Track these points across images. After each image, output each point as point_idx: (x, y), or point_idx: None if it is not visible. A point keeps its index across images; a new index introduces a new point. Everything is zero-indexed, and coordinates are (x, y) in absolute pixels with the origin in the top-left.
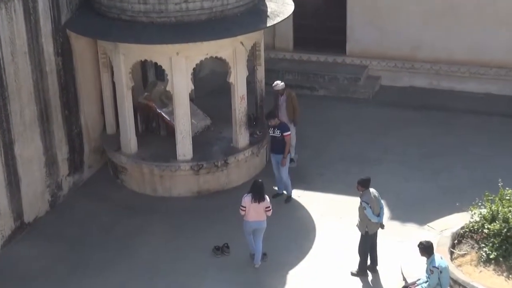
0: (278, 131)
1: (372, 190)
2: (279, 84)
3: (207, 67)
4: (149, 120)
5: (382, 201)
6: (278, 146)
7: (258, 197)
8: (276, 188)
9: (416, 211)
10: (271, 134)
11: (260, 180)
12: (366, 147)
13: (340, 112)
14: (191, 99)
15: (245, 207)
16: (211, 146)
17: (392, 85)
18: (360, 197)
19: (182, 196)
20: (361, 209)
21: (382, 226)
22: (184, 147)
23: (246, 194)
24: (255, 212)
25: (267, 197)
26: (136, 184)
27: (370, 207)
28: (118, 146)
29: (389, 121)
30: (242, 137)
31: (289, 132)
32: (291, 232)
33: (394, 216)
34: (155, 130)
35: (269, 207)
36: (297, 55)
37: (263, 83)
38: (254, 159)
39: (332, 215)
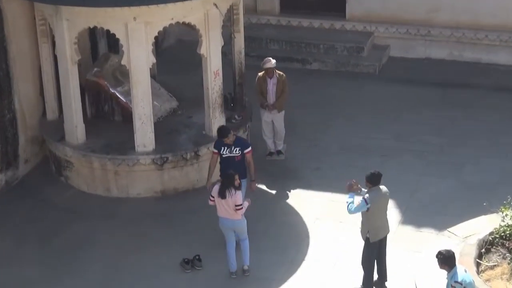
0: (237, 148)
1: (382, 187)
2: (271, 61)
3: (172, 35)
4: (100, 102)
5: (392, 201)
6: (236, 168)
7: (222, 192)
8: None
9: (434, 213)
10: (226, 155)
11: (231, 172)
12: (371, 134)
13: (339, 91)
14: (153, 76)
15: (213, 198)
16: (178, 134)
17: (404, 56)
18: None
19: (142, 197)
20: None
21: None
22: (144, 135)
23: (217, 182)
24: (224, 208)
25: (239, 192)
26: (85, 183)
27: (368, 208)
28: (61, 135)
29: (400, 101)
30: (216, 122)
31: (250, 148)
32: (279, 241)
33: (407, 220)
34: (107, 114)
35: (239, 205)
36: (285, 20)
37: (243, 55)
38: None
39: (330, 219)
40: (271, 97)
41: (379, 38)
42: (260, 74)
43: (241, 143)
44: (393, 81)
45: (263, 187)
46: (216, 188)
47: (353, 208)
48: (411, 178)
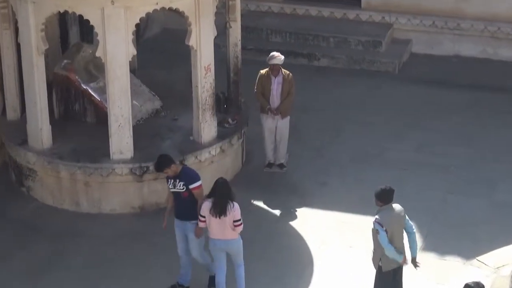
0: (181, 183)
1: (396, 206)
2: (278, 57)
3: (156, 23)
4: (70, 100)
5: (413, 224)
6: (184, 207)
7: (218, 209)
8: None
9: (461, 238)
10: (172, 190)
11: (221, 180)
12: (388, 143)
13: (352, 92)
14: (132, 70)
15: (204, 218)
16: (161, 139)
17: (428, 53)
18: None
19: (118, 213)
20: (374, 233)
21: (415, 264)
22: (121, 140)
23: (206, 199)
24: (218, 227)
25: (236, 205)
26: (50, 195)
27: (386, 230)
28: (23, 138)
29: (423, 105)
30: (207, 126)
31: (199, 183)
32: (278, 268)
33: (429, 246)
34: (78, 115)
35: (238, 220)
36: (289, 7)
37: (239, 48)
38: (224, 159)
39: (338, 243)
40: (275, 100)
41: (400, 31)
42: (262, 71)
43: (186, 177)
44: (415, 81)
45: (260, 204)
46: (207, 205)
47: (383, 243)
48: (435, 197)
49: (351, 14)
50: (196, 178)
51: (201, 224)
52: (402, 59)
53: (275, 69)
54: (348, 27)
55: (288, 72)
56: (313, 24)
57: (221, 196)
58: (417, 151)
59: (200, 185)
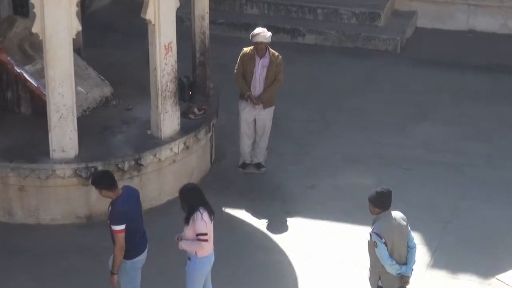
0: (108, 214)
1: (395, 213)
2: (263, 33)
3: None
4: (1, 86)
5: (417, 234)
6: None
7: (211, 210)
8: None
9: (476, 253)
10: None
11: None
12: (388, 138)
13: (344, 76)
14: (77, 50)
15: (206, 234)
16: (112, 134)
17: (437, 27)
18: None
19: (60, 223)
20: (371, 245)
21: (405, 282)
22: (64, 135)
23: (199, 210)
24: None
25: (205, 215)
26: None
27: (385, 243)
28: None
29: (431, 92)
30: (167, 118)
31: (118, 228)
32: None
33: (438, 262)
34: (10, 104)
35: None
36: None
37: (207, 22)
38: (189, 157)
39: (327, 257)
40: (258, 85)
41: (402, 1)
42: (246, 49)
43: (112, 210)
44: (421, 62)
45: (233, 212)
46: (207, 218)
47: (382, 257)
48: (445, 203)
49: None
50: (117, 219)
51: (202, 246)
52: (405, 35)
53: (260, 48)
54: None
55: (277, 54)
56: None
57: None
58: (424, 147)
59: (121, 231)
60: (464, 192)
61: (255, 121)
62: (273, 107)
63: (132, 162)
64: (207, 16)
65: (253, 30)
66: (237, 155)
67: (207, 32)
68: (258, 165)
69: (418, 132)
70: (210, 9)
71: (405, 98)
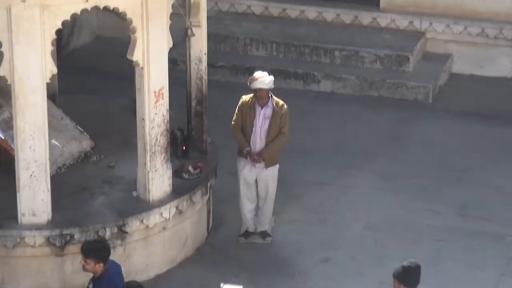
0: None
1: None
2: (262, 78)
3: (86, 29)
4: None
5: None
6: None
7: None
8: None
9: None
10: None
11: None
12: (418, 203)
13: (367, 130)
14: (52, 96)
15: None
16: (91, 196)
17: (476, 73)
18: None
19: None
20: None
21: None
22: (35, 197)
23: None
24: None
25: None
26: None
27: None
28: None
29: (468, 149)
30: (157, 177)
31: None
32: None
33: None
34: None
35: None
36: (277, 8)
37: (205, 65)
38: (182, 224)
39: None
40: (259, 140)
41: (435, 42)
42: (245, 97)
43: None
44: (457, 114)
45: None
46: None
47: None
48: (486, 280)
49: (366, 17)
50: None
51: None
52: (438, 82)
53: (260, 96)
54: (361, 36)
55: (281, 102)
56: (311, 31)
57: None
58: (459, 214)
59: None
60: (507, 268)
61: (256, 182)
62: (277, 166)
63: (115, 229)
64: (204, 58)
65: (253, 75)
66: (239, 222)
67: (205, 77)
68: (264, 234)
69: (453, 196)
70: (209, 50)
71: (438, 156)
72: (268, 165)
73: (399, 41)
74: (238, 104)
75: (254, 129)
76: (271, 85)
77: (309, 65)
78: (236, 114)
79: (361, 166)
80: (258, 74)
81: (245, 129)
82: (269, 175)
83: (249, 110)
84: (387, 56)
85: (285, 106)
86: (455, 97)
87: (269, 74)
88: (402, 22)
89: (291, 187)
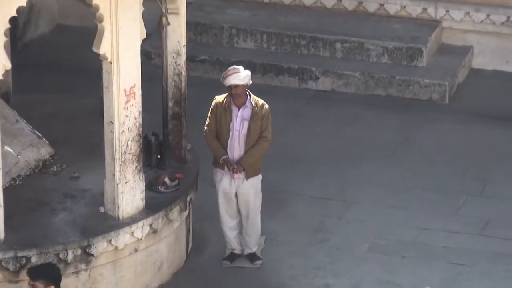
0: None
1: None
2: (236, 73)
3: (45, 17)
4: None
5: None
6: None
7: None
8: None
9: None
10: None
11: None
12: (433, 221)
13: (373, 135)
14: (4, 95)
15: None
16: (51, 212)
17: (499, 69)
18: None
19: None
20: None
21: None
22: None
23: None
24: None
25: None
26: None
27: None
28: None
29: (490, 157)
30: (128, 190)
31: None
32: None
33: None
34: None
35: None
36: None
37: (184, 59)
38: (157, 245)
39: None
40: (237, 146)
41: (453, 32)
42: (219, 98)
43: None
44: (477, 116)
45: None
46: None
47: None
48: None
49: (372, 3)
50: None
51: None
52: (457, 79)
53: (237, 94)
54: (367, 25)
55: (261, 101)
56: (309, 19)
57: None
58: (480, 234)
59: None
60: None
61: (236, 196)
62: (259, 177)
63: (79, 251)
64: (183, 51)
65: (226, 71)
66: (223, 244)
67: (184, 73)
68: (252, 257)
69: (473, 212)
70: (189, 41)
71: (455, 166)
72: (249, 175)
73: (411, 31)
74: (211, 106)
75: (231, 134)
76: (248, 81)
77: (306, 59)
78: (209, 118)
79: (366, 177)
80: (233, 69)
81: (220, 135)
82: (251, 188)
83: (224, 112)
84: (397, 49)
85: (266, 105)
86: (476, 96)
87: (257, 72)
88: (414, 9)
89: (285, 203)
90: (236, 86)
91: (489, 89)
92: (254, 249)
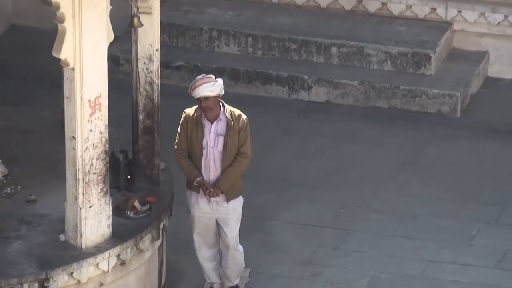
0: None
1: None
2: (206, 82)
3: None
4: None
5: None
6: None
7: None
8: None
9: None
10: None
11: None
12: (445, 254)
13: (374, 153)
14: None
15: None
16: (4, 240)
17: None
18: None
19: None
20: None
21: None
22: None
23: None
24: None
25: None
26: None
27: None
28: None
29: (509, 178)
30: (92, 216)
31: None
32: None
33: None
34: None
35: None
36: None
37: (157, 65)
38: (125, 279)
39: None
40: (212, 165)
41: (465, 35)
42: (188, 111)
43: None
44: (493, 133)
45: None
46: None
47: None
48: None
49: (373, 3)
50: None
51: None
52: (470, 89)
53: (208, 107)
54: (367, 27)
55: (238, 112)
56: (300, 20)
57: None
58: (499, 267)
59: None
60: None
61: (217, 222)
62: (241, 199)
63: (36, 285)
64: (157, 56)
65: (195, 80)
66: (200, 277)
67: (157, 81)
68: None
69: (489, 242)
70: (162, 45)
71: (468, 190)
72: (230, 197)
73: (418, 34)
74: (181, 121)
75: (204, 152)
76: (220, 91)
77: (297, 66)
78: (179, 135)
79: (366, 202)
80: (203, 78)
81: (193, 154)
82: (231, 212)
83: (195, 128)
84: (401, 55)
85: (243, 116)
86: (492, 109)
87: (241, 81)
88: (421, 9)
89: (272, 231)
90: (207, 98)
91: (507, 101)
92: (235, 282)
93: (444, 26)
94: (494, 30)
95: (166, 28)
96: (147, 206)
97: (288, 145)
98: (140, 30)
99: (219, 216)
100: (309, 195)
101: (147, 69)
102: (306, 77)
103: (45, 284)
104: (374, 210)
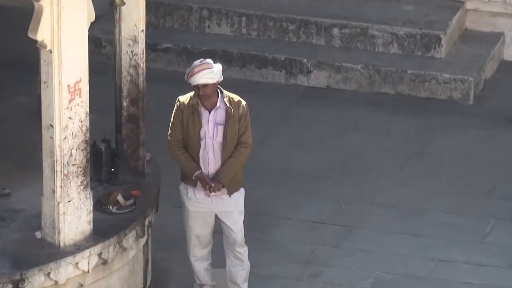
0: None
1: None
2: (205, 69)
3: None
4: None
5: None
6: None
7: None
8: None
9: None
10: None
11: None
12: (456, 254)
13: (380, 143)
14: None
15: None
16: None
17: None
18: None
19: None
20: None
21: None
22: None
23: None
24: None
25: None
26: None
27: None
28: None
29: None
30: (71, 211)
31: None
32: None
33: None
34: None
35: None
36: None
37: (142, 48)
38: (107, 279)
39: None
40: (212, 157)
41: (479, 15)
42: (183, 99)
43: None
44: (509, 121)
45: None
46: None
47: None
48: None
49: None
50: None
51: None
52: (483, 74)
53: (206, 95)
54: (372, 6)
55: (237, 98)
56: (299, 0)
57: None
58: None
59: None
60: None
61: (216, 217)
62: (242, 191)
63: (9, 286)
64: (142, 38)
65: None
66: (190, 277)
67: (142, 64)
68: None
69: (503, 240)
70: (148, 25)
71: (481, 183)
72: (231, 190)
73: (427, 14)
74: (174, 110)
75: (203, 143)
76: (219, 78)
77: (295, 49)
78: (173, 124)
79: (370, 196)
80: (200, 63)
81: (189, 145)
82: (234, 206)
83: (191, 117)
84: (409, 36)
85: (243, 102)
86: (507, 95)
87: (235, 65)
88: None
89: (269, 228)
90: (205, 85)
91: None
92: (243, 286)
93: (456, 5)
94: (510, 10)
95: (152, 6)
96: (131, 201)
97: (285, 134)
98: (123, 8)
99: (220, 210)
100: (308, 189)
101: (131, 51)
102: (305, 60)
103: (20, 285)
104: (378, 205)
